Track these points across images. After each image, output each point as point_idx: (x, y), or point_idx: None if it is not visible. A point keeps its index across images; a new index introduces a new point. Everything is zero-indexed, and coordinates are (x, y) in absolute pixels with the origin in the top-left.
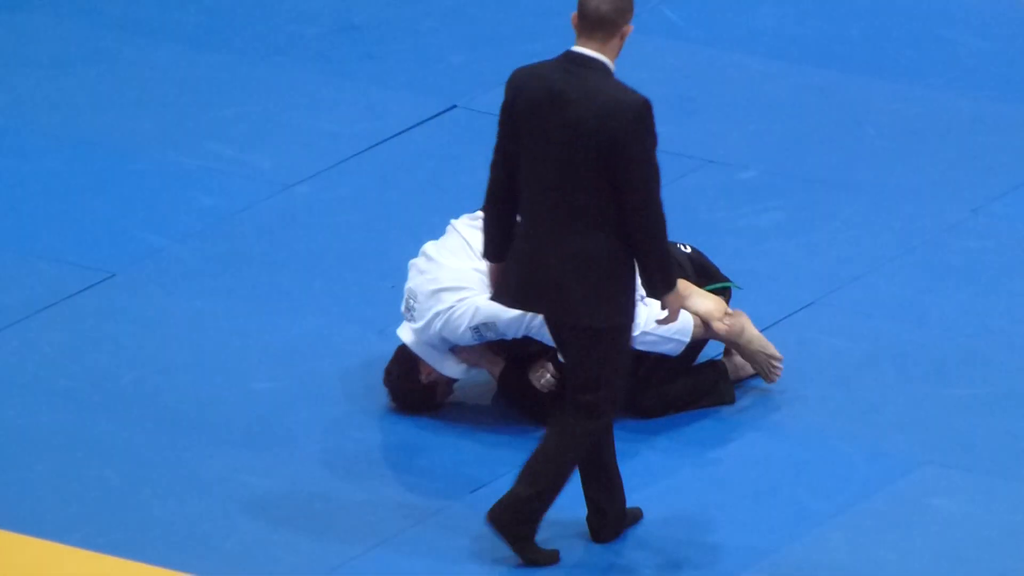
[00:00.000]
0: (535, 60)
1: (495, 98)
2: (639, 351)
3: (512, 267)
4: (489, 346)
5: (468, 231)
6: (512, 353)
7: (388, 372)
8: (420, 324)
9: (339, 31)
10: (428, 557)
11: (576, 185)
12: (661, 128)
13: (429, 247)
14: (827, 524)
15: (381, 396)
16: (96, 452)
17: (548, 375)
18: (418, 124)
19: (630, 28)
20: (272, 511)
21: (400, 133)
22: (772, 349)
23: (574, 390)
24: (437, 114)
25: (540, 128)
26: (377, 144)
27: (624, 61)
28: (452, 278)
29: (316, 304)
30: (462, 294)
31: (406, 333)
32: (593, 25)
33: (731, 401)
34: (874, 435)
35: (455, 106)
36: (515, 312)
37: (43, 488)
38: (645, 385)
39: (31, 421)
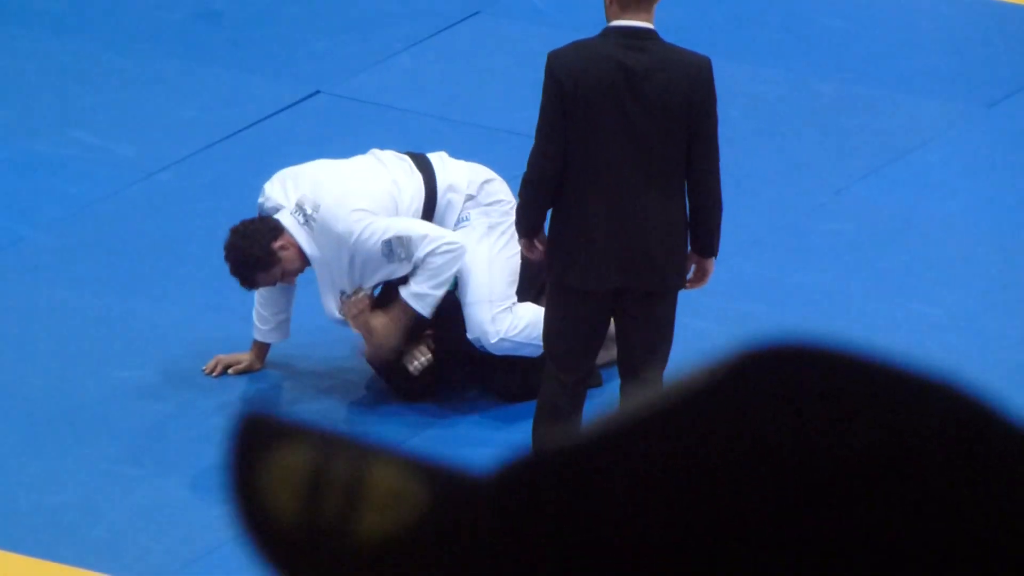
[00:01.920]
0: (399, 46)
1: (359, 84)
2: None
3: (579, 243)
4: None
5: (394, 162)
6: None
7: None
8: (330, 238)
9: (200, 17)
10: None
11: (655, 155)
12: (522, 113)
13: (324, 163)
14: None
15: (246, 383)
16: None
17: (423, 359)
18: (281, 110)
19: None
20: (139, 500)
21: (263, 119)
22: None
23: (640, 366)
24: (300, 100)
25: (615, 105)
26: (240, 131)
27: (488, 45)
28: (367, 196)
29: (180, 291)
30: (369, 217)
31: (304, 238)
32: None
33: (598, 384)
34: None
35: (318, 92)
36: (428, 229)
37: None
38: (508, 368)
39: None
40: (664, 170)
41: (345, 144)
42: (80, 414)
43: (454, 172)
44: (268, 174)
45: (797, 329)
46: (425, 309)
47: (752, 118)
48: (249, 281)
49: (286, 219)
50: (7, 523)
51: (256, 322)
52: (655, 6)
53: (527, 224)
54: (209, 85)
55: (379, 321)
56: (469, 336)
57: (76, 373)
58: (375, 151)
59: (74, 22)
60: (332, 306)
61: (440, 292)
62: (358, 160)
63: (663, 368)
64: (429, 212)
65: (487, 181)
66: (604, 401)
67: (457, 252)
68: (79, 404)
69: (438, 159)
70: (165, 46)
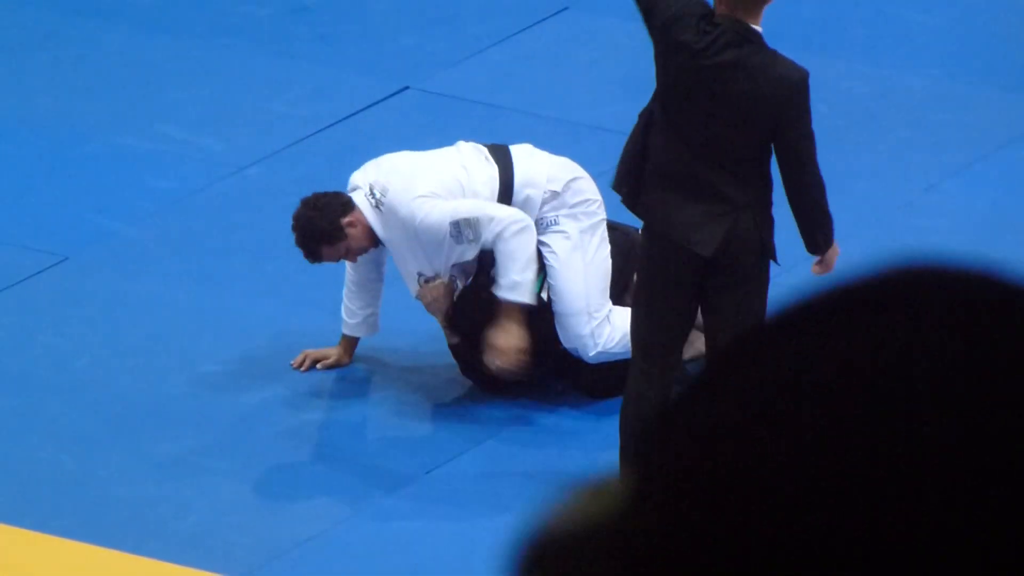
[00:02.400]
0: (487, 41)
1: (447, 79)
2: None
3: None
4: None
5: (468, 151)
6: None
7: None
8: (397, 219)
9: (290, 12)
10: (383, 538)
11: (730, 146)
12: (610, 108)
13: (404, 154)
14: None
15: (335, 379)
16: (50, 436)
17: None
18: (370, 106)
19: None
20: (226, 493)
21: (352, 115)
22: None
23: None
24: (389, 95)
25: (697, 89)
26: (329, 126)
27: (576, 40)
28: (433, 182)
29: (269, 286)
30: (436, 201)
31: (375, 219)
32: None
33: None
34: None
35: (407, 87)
36: (494, 210)
37: None
38: (595, 366)
39: None
40: (740, 161)
41: (433, 139)
42: (168, 407)
43: (535, 166)
44: (357, 168)
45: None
46: (525, 296)
47: (842, 114)
48: (314, 254)
49: (358, 198)
50: (95, 516)
51: (344, 315)
52: (762, 11)
53: (832, 231)
54: (298, 80)
55: (498, 339)
56: (565, 346)
57: (165, 367)
58: (459, 143)
59: (161, 17)
60: (413, 287)
61: (530, 274)
62: (438, 150)
63: None
64: (504, 199)
65: (573, 179)
66: None
67: (526, 229)
68: (167, 397)
69: (521, 151)
70: (253, 41)
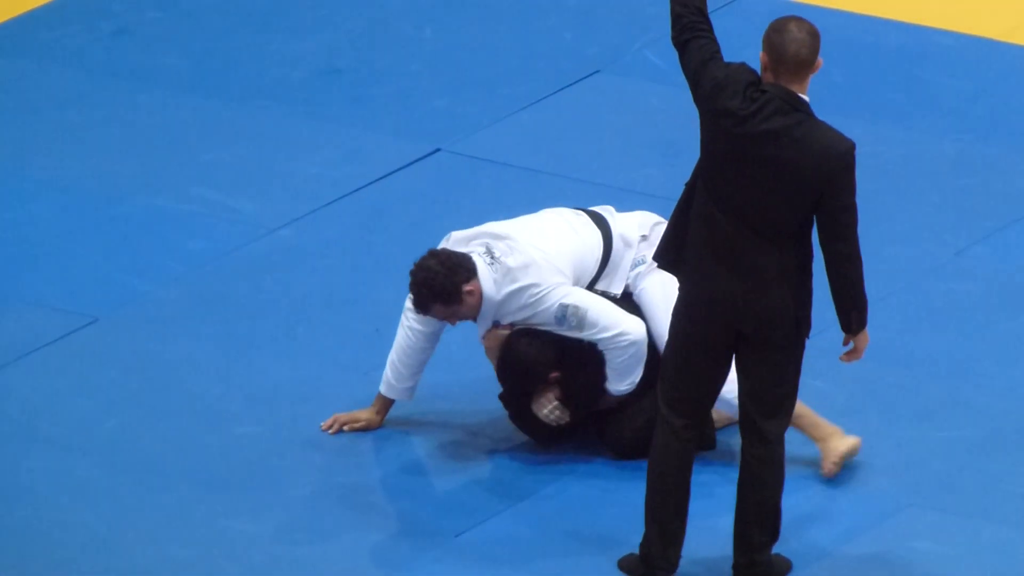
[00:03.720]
0: (519, 104)
1: (479, 141)
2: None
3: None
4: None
5: (576, 220)
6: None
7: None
8: (511, 284)
9: (323, 75)
10: None
11: (770, 216)
12: (645, 171)
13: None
14: (812, 567)
15: (366, 441)
16: (79, 498)
17: (552, 407)
18: (402, 168)
19: (820, 62)
20: (256, 557)
21: (384, 177)
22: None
23: (758, 415)
24: (421, 158)
25: (741, 155)
26: (361, 188)
27: (607, 103)
28: (559, 254)
29: (300, 348)
30: (558, 278)
31: (487, 276)
32: (795, 70)
33: (711, 447)
34: (858, 477)
35: (439, 149)
36: (606, 307)
37: (27, 533)
38: (624, 425)
39: (14, 466)
40: (780, 230)
41: (466, 202)
42: (200, 469)
43: (624, 223)
44: (389, 231)
45: None
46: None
47: (873, 178)
48: (425, 308)
49: (477, 262)
50: None
51: (390, 376)
52: (809, 78)
53: (866, 314)
54: (330, 142)
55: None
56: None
57: (197, 428)
58: (552, 210)
59: (196, 79)
60: (483, 330)
61: (633, 387)
62: (540, 216)
63: (785, 423)
64: (605, 260)
65: (657, 224)
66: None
67: (637, 347)
68: (199, 459)
69: (607, 212)
70: (287, 103)
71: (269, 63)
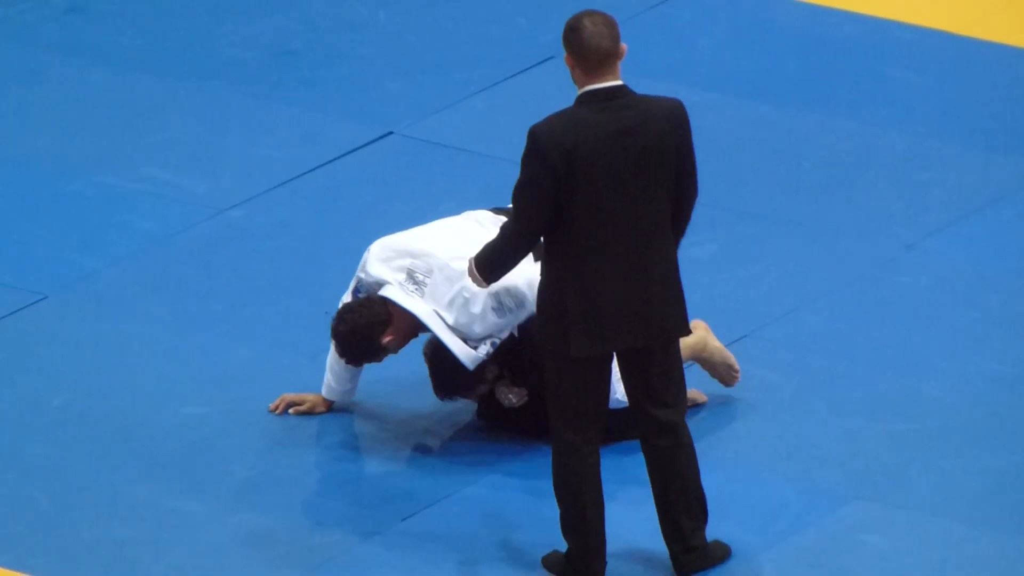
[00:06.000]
0: (472, 89)
1: (432, 125)
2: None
3: (588, 311)
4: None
5: (493, 224)
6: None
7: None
8: (443, 300)
9: (277, 56)
10: None
11: (652, 206)
12: None
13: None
14: (758, 558)
15: (312, 424)
16: (26, 475)
17: (509, 393)
18: (354, 150)
19: (625, 47)
20: (200, 537)
21: (336, 159)
22: (733, 360)
23: (657, 408)
24: (373, 140)
25: (610, 166)
26: (313, 170)
27: (561, 92)
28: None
29: (248, 330)
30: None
31: (417, 304)
32: (601, 61)
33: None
34: (805, 470)
35: (391, 132)
36: (520, 276)
37: None
38: (541, 413)
39: None
40: (659, 219)
41: (418, 185)
42: (146, 449)
43: None
44: (340, 213)
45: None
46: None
47: (824, 170)
48: (356, 364)
49: (395, 294)
50: (70, 556)
51: (331, 380)
52: (619, 63)
53: (503, 270)
54: (282, 123)
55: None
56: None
57: (144, 407)
58: (471, 213)
59: (149, 58)
60: (461, 347)
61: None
62: (457, 222)
63: (684, 404)
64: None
65: None
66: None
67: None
68: (146, 439)
69: None
70: (240, 84)
71: (223, 43)
